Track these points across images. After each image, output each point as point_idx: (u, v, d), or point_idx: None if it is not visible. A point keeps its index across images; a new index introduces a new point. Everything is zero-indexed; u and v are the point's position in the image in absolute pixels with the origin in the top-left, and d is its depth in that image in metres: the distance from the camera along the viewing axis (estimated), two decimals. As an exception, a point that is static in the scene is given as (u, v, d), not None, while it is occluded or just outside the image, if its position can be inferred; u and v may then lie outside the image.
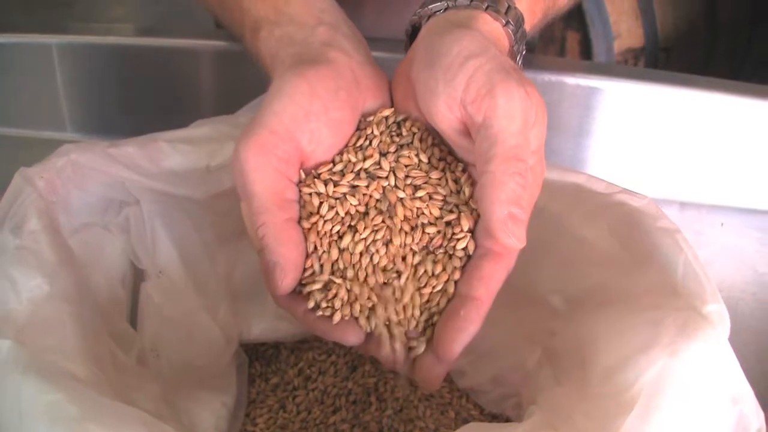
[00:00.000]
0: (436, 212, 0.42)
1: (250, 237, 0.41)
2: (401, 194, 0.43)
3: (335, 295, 0.41)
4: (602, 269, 0.48)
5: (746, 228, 0.65)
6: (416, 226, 0.42)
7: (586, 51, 1.07)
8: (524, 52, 0.47)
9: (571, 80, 0.65)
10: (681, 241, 0.44)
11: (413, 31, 0.48)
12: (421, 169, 0.44)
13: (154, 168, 0.49)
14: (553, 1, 0.52)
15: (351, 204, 0.42)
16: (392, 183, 0.43)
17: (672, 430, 0.37)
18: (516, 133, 0.38)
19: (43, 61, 0.66)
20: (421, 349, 0.41)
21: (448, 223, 0.42)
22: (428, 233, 0.42)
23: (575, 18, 1.05)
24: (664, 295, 0.42)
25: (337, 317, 0.41)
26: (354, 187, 0.43)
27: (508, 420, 0.52)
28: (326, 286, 0.41)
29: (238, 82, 0.67)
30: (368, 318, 0.41)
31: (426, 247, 0.42)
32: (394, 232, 0.42)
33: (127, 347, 0.48)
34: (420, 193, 0.43)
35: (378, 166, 0.44)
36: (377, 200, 0.43)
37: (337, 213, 0.42)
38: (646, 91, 0.64)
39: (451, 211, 0.43)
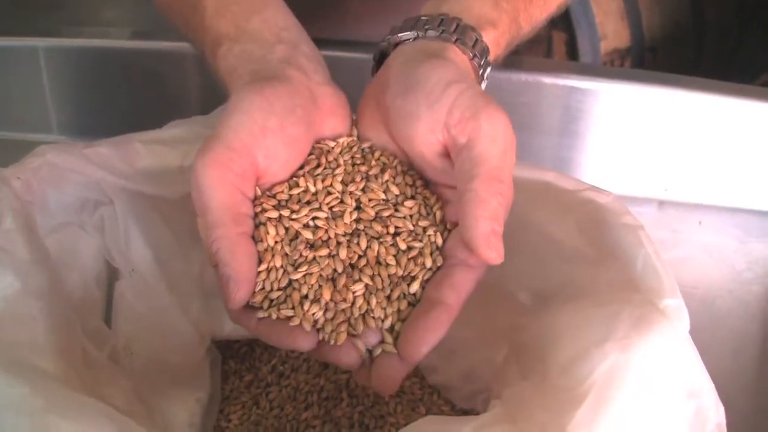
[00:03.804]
0: (403, 246, 0.43)
1: (206, 252, 0.42)
2: (365, 240, 0.43)
3: (284, 301, 0.41)
4: (569, 265, 0.48)
5: (725, 226, 0.66)
6: (378, 274, 0.42)
7: (572, 52, 1.07)
8: (486, 81, 0.49)
9: (552, 80, 0.65)
10: (643, 237, 0.44)
11: (380, 56, 0.49)
12: (389, 202, 0.44)
13: (129, 168, 0.50)
14: (517, 31, 0.52)
15: (306, 238, 0.42)
16: (355, 217, 0.43)
17: (624, 422, 0.37)
18: (498, 155, 0.40)
19: (30, 63, 0.67)
20: (379, 350, 0.41)
21: (411, 257, 0.43)
22: (390, 273, 0.42)
23: (561, 18, 1.05)
24: (624, 290, 0.43)
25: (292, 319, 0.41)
26: (314, 219, 0.43)
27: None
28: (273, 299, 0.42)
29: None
30: (317, 322, 0.41)
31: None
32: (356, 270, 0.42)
33: (100, 344, 0.49)
34: (390, 229, 0.43)
35: (340, 201, 0.44)
36: (336, 234, 0.43)
37: (290, 243, 0.42)
38: (625, 90, 0.64)
39: (417, 240, 0.43)
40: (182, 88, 0.69)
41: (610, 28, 1.03)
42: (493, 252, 0.39)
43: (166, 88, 0.69)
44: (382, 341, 0.41)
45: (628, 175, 0.67)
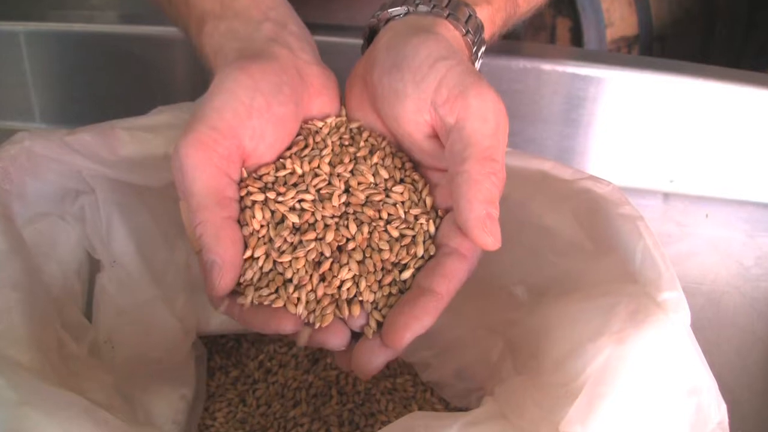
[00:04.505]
0: (395, 234, 0.41)
1: (189, 238, 0.40)
2: (355, 224, 0.41)
3: (266, 285, 0.40)
4: (566, 258, 0.46)
5: (732, 219, 0.64)
6: (369, 257, 0.41)
7: (576, 39, 1.04)
8: (481, 61, 0.47)
9: (553, 67, 0.64)
10: (641, 228, 0.43)
11: (370, 34, 0.48)
12: (378, 186, 0.43)
13: (111, 156, 0.49)
14: (514, 9, 0.51)
15: (292, 222, 0.41)
16: (344, 200, 0.42)
17: (619, 419, 0.36)
18: (489, 135, 0.39)
19: (11, 49, 0.65)
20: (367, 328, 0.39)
21: (403, 245, 0.41)
22: (383, 258, 0.41)
23: (566, 4, 1.03)
24: (622, 283, 0.41)
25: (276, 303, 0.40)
26: (300, 201, 0.41)
27: (473, 414, 0.51)
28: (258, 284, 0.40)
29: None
30: (300, 302, 0.40)
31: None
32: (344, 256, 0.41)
33: (79, 338, 0.47)
34: (383, 215, 0.42)
35: (328, 183, 0.42)
36: (324, 216, 0.41)
37: (276, 227, 0.41)
38: (629, 78, 0.63)
39: (409, 228, 0.42)
40: (170, 74, 0.68)
41: (616, 15, 1.00)
42: (488, 236, 0.38)
43: (153, 74, 0.67)
44: (367, 324, 0.39)
45: (632, 166, 0.65)
